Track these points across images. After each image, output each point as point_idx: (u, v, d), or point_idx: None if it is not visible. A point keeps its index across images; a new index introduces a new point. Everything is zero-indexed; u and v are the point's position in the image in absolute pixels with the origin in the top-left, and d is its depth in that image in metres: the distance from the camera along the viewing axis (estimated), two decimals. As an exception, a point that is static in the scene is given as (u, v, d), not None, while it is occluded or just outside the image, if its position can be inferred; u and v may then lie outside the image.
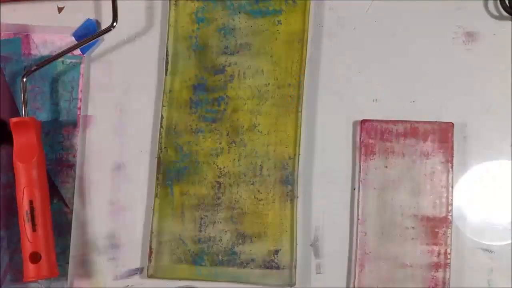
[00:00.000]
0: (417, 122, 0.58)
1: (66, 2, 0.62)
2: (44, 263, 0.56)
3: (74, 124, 0.61)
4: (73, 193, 0.60)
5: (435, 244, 0.57)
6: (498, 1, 0.60)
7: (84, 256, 0.59)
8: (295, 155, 0.58)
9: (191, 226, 0.59)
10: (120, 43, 0.62)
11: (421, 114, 0.59)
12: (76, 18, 0.62)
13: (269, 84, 0.60)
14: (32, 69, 0.59)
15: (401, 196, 0.58)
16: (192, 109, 0.60)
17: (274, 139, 0.59)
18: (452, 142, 0.58)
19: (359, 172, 0.58)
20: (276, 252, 0.58)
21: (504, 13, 0.60)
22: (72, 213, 0.60)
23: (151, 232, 0.58)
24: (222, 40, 0.60)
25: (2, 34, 0.62)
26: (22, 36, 0.62)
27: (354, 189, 0.59)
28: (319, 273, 0.59)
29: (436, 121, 0.58)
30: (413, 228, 0.57)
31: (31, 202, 0.56)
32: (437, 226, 0.57)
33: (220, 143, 0.60)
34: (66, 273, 0.59)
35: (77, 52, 0.61)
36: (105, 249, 0.59)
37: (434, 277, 0.57)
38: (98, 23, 0.62)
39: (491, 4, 0.61)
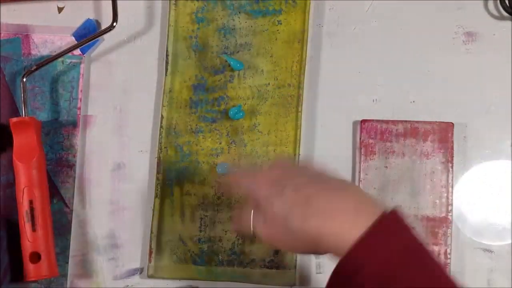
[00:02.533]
0: (417, 122, 0.58)
1: (66, 2, 0.62)
2: (44, 263, 0.56)
3: (74, 124, 0.61)
4: (73, 193, 0.60)
5: (435, 244, 0.57)
6: (498, 1, 0.60)
7: (84, 256, 0.59)
8: (295, 155, 0.58)
9: (191, 226, 0.59)
10: (120, 43, 0.62)
11: (421, 114, 0.59)
12: (76, 18, 0.62)
13: (269, 84, 0.60)
14: (32, 69, 0.59)
15: (401, 196, 0.58)
16: (192, 109, 0.60)
17: (274, 139, 0.59)
18: (452, 142, 0.58)
19: (359, 172, 0.58)
20: (276, 252, 0.58)
21: (504, 13, 0.60)
22: (72, 213, 0.60)
23: (151, 232, 0.58)
24: (222, 40, 0.60)
25: (2, 34, 0.62)
26: (22, 36, 0.62)
27: (354, 189, 0.59)
28: (319, 273, 0.58)
29: (436, 121, 0.58)
30: (413, 228, 0.57)
31: (31, 202, 0.56)
32: (437, 226, 0.57)
33: (220, 143, 0.60)
34: (66, 273, 0.59)
35: (77, 52, 0.61)
36: (105, 249, 0.59)
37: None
38: (98, 23, 0.62)
39: (491, 4, 0.61)
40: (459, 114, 0.59)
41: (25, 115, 0.59)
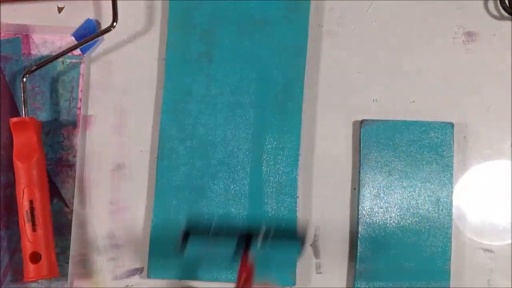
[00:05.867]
0: (417, 122, 0.58)
1: (66, 2, 0.62)
2: (44, 263, 0.56)
3: (74, 124, 0.61)
4: (73, 193, 0.60)
5: (435, 244, 0.57)
6: (498, 1, 0.60)
7: (84, 256, 0.59)
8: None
9: (191, 225, 0.58)
10: (120, 43, 0.62)
11: (421, 114, 0.59)
12: (76, 18, 0.62)
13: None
14: (32, 69, 0.59)
15: (401, 196, 0.58)
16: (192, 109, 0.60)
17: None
18: (452, 142, 0.58)
19: (359, 172, 0.58)
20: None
21: (504, 13, 0.60)
22: (72, 213, 0.60)
23: (151, 232, 0.58)
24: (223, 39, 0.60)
25: (2, 34, 0.62)
26: (22, 36, 0.62)
27: (354, 189, 0.59)
28: (319, 273, 0.59)
29: (436, 121, 0.58)
30: (413, 228, 0.57)
31: (31, 202, 0.56)
32: (437, 226, 0.57)
33: (220, 143, 0.60)
34: (66, 273, 0.59)
35: (77, 52, 0.61)
36: (105, 249, 0.59)
37: (434, 277, 0.57)
38: (98, 23, 0.62)
39: (491, 4, 0.61)
40: (459, 114, 0.59)
41: (25, 115, 0.59)
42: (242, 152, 0.59)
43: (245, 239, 0.54)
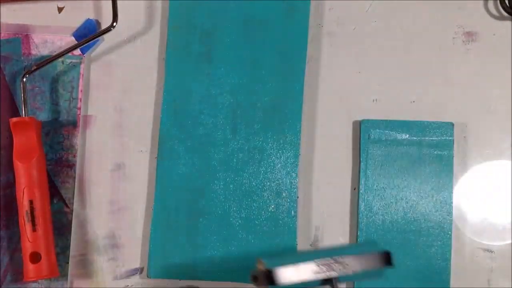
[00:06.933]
0: (417, 122, 0.58)
1: (66, 2, 0.62)
2: (44, 263, 0.56)
3: (74, 124, 0.61)
4: (73, 193, 0.60)
5: (435, 244, 0.57)
6: (498, 1, 0.60)
7: (84, 256, 0.59)
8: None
9: (191, 225, 0.59)
10: (120, 43, 0.62)
11: (421, 114, 0.59)
12: (76, 18, 0.62)
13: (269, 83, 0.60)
14: (32, 69, 0.59)
15: (401, 196, 0.58)
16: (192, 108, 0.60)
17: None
18: (452, 142, 0.58)
19: (359, 172, 0.58)
20: (277, 252, 0.58)
21: (504, 13, 0.60)
22: (72, 213, 0.60)
23: (151, 232, 0.58)
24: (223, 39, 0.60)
25: (2, 34, 0.62)
26: (22, 36, 0.62)
27: (354, 189, 0.59)
28: (319, 273, 0.58)
29: (436, 121, 0.58)
30: (413, 228, 0.57)
31: (31, 202, 0.56)
32: (437, 226, 0.57)
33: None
34: (66, 273, 0.59)
35: (77, 52, 0.61)
36: (105, 249, 0.59)
37: (434, 277, 0.57)
38: (98, 23, 0.62)
39: (491, 4, 0.61)
40: (459, 114, 0.59)
41: (25, 115, 0.59)
42: (242, 152, 0.59)
43: None
